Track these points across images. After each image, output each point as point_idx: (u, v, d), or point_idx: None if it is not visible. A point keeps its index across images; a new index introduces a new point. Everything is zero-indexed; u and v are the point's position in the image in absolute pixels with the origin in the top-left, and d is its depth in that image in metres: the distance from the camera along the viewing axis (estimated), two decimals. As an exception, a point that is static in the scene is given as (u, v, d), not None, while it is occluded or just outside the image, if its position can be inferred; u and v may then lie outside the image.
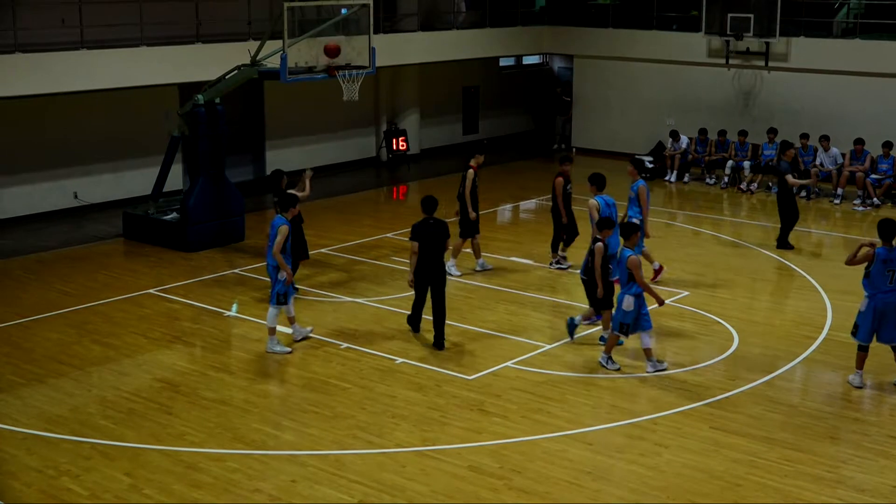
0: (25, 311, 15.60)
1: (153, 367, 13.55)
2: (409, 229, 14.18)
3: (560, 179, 17.15)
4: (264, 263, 17.20)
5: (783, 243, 19.11)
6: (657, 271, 16.91)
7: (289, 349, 13.92)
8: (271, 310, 13.83)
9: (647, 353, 13.20)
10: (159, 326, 15.03)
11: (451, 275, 16.84)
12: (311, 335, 14.29)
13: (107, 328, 14.95)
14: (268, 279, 14.42)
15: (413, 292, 14.53)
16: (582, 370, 13.38)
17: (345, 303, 16.14)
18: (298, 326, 14.30)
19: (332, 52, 17.88)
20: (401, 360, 13.67)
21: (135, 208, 20.42)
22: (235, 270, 17.69)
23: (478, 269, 17.54)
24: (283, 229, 13.67)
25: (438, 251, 14.13)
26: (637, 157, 17.00)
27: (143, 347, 14.23)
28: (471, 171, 17.10)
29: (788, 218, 19.10)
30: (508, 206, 22.41)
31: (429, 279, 14.17)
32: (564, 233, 17.49)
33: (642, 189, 16.30)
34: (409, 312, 14.92)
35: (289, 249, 13.88)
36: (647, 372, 13.15)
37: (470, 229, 17.25)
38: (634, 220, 16.08)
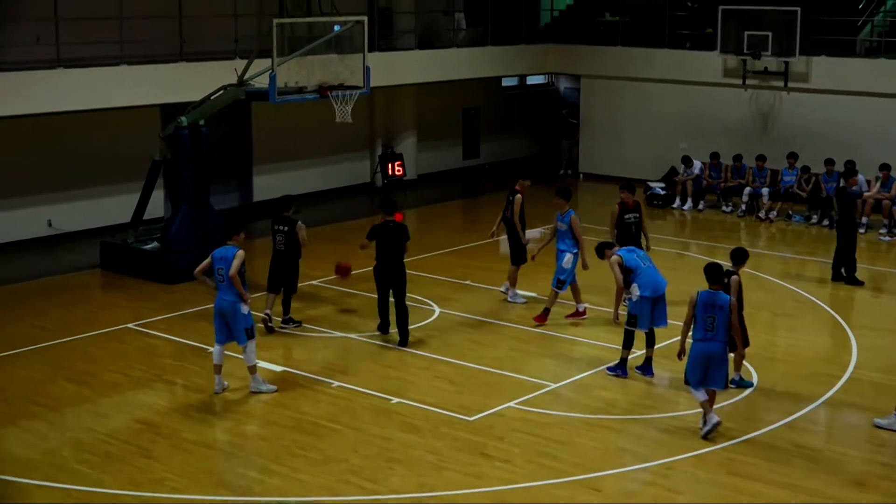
0: (-5, 347, 15.60)
1: (132, 407, 13.52)
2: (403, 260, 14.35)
3: (617, 207, 17.20)
4: (253, 295, 17.19)
5: (853, 279, 19.10)
6: (579, 313, 16.81)
7: (274, 387, 13.89)
8: (248, 351, 13.68)
9: (706, 406, 12.56)
10: (139, 364, 15.00)
11: (515, 303, 17.59)
12: (225, 390, 13.98)
13: (83, 365, 14.92)
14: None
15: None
16: (590, 411, 13.35)
17: (336, 338, 16.12)
18: (221, 378, 13.98)
19: (344, 271, 16.93)
20: (396, 399, 13.65)
21: (113, 237, 20.42)
22: (220, 304, 17.66)
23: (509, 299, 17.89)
24: (241, 253, 13.47)
25: (397, 253, 15.45)
26: (562, 187, 17.04)
27: (121, 386, 14.20)
28: (518, 195, 17.46)
29: (851, 249, 19.06)
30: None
31: (388, 281, 15.54)
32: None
33: (575, 220, 16.35)
34: (398, 347, 15.26)
35: (244, 277, 13.64)
36: (703, 429, 12.57)
37: (522, 255, 17.65)
38: (568, 254, 16.36)
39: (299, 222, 16.18)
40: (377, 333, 16.07)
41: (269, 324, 16.09)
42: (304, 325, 16.49)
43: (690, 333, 12.54)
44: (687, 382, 12.59)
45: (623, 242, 16.93)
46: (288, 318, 16.40)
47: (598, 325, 16.60)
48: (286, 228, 16.16)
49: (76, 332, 16.24)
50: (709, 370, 12.39)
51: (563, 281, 16.55)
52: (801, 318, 17.39)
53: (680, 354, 12.61)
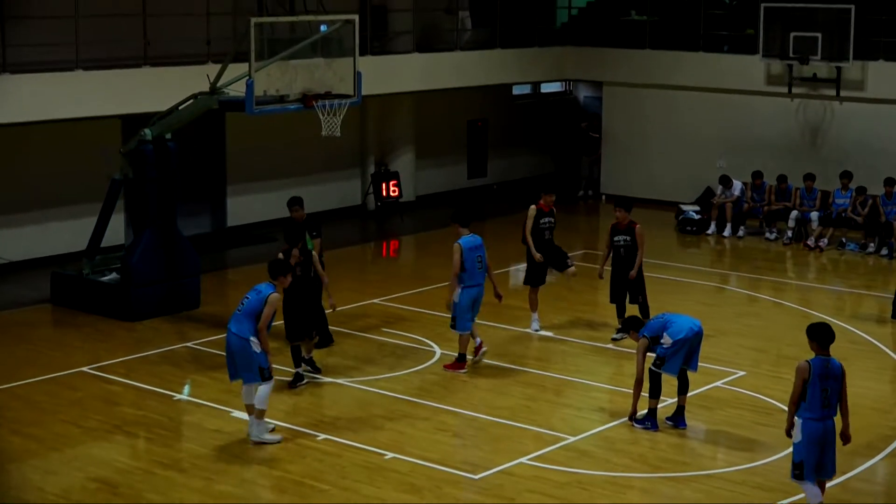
0: (-70, 394, 15.59)
1: (86, 463, 13.48)
2: (399, 294, 14.18)
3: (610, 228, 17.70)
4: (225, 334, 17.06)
5: None
6: (476, 348, 16.65)
7: (279, 437, 13.94)
8: (263, 387, 13.74)
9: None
10: (94, 413, 14.98)
11: (535, 331, 18.33)
12: (271, 431, 14.20)
13: (29, 415, 14.90)
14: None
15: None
16: (614, 468, 13.33)
17: (323, 384, 16.11)
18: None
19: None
20: (391, 454, 13.63)
21: (66, 268, 20.44)
22: (188, 344, 17.66)
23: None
24: (274, 299, 13.72)
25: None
26: (458, 209, 17.33)
27: (74, 439, 14.18)
28: (533, 207, 18.12)
29: None
30: (523, 266, 22.40)
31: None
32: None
33: (456, 248, 16.23)
34: (394, 395, 15.34)
35: (271, 324, 13.91)
36: None
37: (530, 275, 18.27)
38: (459, 288, 16.25)
39: (293, 249, 15.94)
40: (369, 379, 16.07)
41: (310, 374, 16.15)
42: (284, 368, 16.41)
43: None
44: (797, 476, 11.71)
45: (613, 267, 17.27)
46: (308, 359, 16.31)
47: (623, 371, 16.58)
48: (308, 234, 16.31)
49: (22, 377, 16.21)
50: (823, 455, 11.66)
51: (455, 318, 16.42)
52: (858, 361, 17.34)
53: (789, 431, 11.79)
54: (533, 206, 18.09)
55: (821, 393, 11.53)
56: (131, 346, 17.62)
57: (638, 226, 17.53)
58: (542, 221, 18.10)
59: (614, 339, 17.63)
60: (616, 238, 17.51)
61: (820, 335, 11.74)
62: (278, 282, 13.99)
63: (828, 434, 11.63)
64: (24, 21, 20.58)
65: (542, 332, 18.25)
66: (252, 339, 13.66)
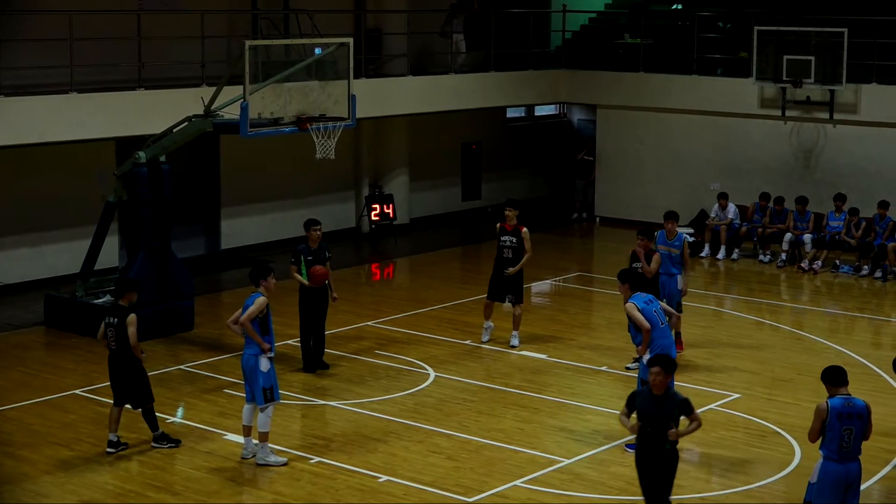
0: (-78, 417, 15.53)
1: (79, 486, 13.43)
2: (393, 316, 14.19)
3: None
4: (220, 357, 17.05)
5: None
6: None
7: (284, 460, 13.92)
8: (262, 415, 13.79)
9: None
10: (87, 436, 14.92)
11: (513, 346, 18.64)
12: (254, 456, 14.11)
13: (21, 438, 14.85)
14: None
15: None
16: (609, 491, 13.29)
17: (316, 406, 16.06)
18: (251, 440, 14.13)
19: (319, 277, 17.27)
20: (385, 477, 13.58)
21: (59, 290, 20.40)
22: (182, 366, 17.61)
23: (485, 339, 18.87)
24: (262, 300, 13.82)
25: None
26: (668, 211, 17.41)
27: (66, 462, 14.12)
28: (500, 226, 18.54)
29: None
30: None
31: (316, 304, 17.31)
32: None
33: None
34: (388, 417, 15.33)
35: (271, 329, 13.93)
36: None
37: (490, 287, 18.60)
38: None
39: (131, 315, 14.12)
40: (363, 401, 16.05)
41: (120, 448, 14.37)
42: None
43: None
44: None
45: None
46: (160, 433, 14.55)
47: (617, 393, 16.54)
48: (116, 321, 14.23)
49: (14, 400, 16.16)
50: (846, 499, 11.08)
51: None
52: (851, 384, 17.18)
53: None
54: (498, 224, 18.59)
55: (840, 434, 10.99)
56: (124, 369, 17.55)
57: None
58: (501, 240, 18.41)
59: (629, 368, 17.37)
60: (634, 265, 17.25)
61: (827, 376, 11.33)
62: (261, 287, 13.99)
63: (851, 476, 11.08)
64: (19, 44, 20.59)
65: (503, 350, 18.43)
66: (261, 357, 13.72)
